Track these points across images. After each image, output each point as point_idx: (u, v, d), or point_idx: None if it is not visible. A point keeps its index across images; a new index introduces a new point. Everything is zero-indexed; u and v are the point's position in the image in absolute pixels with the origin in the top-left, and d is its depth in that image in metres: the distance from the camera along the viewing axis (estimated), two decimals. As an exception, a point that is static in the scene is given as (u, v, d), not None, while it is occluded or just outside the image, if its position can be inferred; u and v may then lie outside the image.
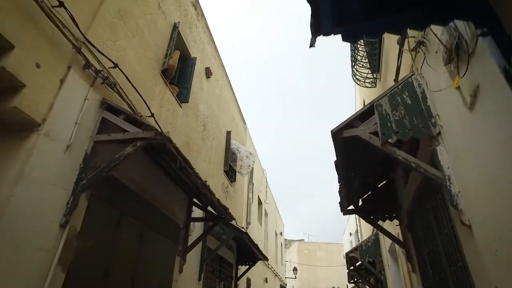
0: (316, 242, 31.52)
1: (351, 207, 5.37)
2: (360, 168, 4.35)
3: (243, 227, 10.08)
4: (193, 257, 6.58)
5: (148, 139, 3.63)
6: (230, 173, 10.07)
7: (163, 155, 4.17)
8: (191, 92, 7.20)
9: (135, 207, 4.65)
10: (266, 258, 9.92)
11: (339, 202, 5.08)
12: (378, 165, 4.78)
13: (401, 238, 5.03)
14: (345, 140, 3.38)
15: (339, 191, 4.61)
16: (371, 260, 8.43)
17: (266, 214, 16.47)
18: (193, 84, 7.34)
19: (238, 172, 9.96)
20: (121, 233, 4.27)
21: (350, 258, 8.93)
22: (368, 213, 5.30)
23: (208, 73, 8.32)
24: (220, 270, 8.32)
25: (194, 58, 7.29)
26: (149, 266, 4.87)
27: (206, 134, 7.96)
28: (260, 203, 15.19)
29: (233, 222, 7.73)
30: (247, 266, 9.82)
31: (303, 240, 33.77)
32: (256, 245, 9.25)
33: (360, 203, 5.38)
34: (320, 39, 1.87)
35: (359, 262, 10.43)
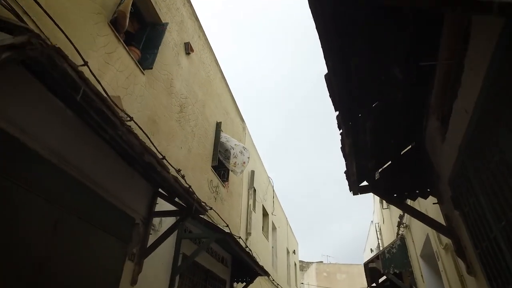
0: (335, 263, 28.88)
1: (365, 183, 3.78)
2: (372, 96, 2.81)
3: (240, 237, 8.44)
4: (159, 266, 5.01)
5: (19, 46, 2.25)
6: (222, 172, 8.59)
7: (59, 82, 2.72)
8: (163, 64, 5.94)
9: (50, 185, 3.22)
10: (266, 274, 8.16)
11: (345, 171, 3.52)
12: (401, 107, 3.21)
13: (443, 223, 3.34)
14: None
15: (341, 148, 3.05)
16: (397, 272, 6.58)
17: (274, 228, 14.66)
18: (165, 55, 6.08)
19: (232, 171, 8.46)
20: (21, 218, 2.84)
21: (370, 270, 7.09)
22: (388, 191, 3.67)
23: (188, 48, 7.08)
24: (206, 286, 6.65)
25: (165, 24, 6.07)
26: (69, 270, 3.35)
27: (184, 117, 6.59)
28: (266, 214, 13.47)
29: (234, 234, 6.14)
30: (244, 284, 8.06)
31: (321, 262, 31.16)
32: (252, 256, 7.58)
33: (377, 177, 3.77)
34: None
35: (383, 278, 8.50)
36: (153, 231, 4.91)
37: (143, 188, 4.87)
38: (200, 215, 5.66)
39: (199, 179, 6.95)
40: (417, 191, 3.56)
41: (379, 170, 3.78)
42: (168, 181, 3.95)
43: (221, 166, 8.54)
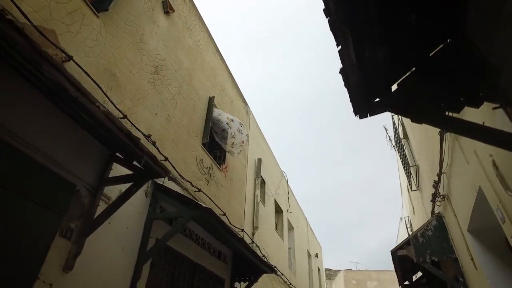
0: (365, 270, 26.62)
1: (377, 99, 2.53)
2: None
3: (242, 229, 7.22)
4: (116, 250, 3.89)
5: None
6: (219, 154, 7.45)
7: None
8: (131, 16, 5.01)
9: None
10: (272, 271, 6.83)
11: (343, 76, 2.31)
12: None
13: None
14: None
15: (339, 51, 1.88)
16: (435, 260, 5.10)
17: (291, 228, 13.26)
18: (134, 6, 5.15)
19: (228, 152, 7.33)
20: None
21: (400, 260, 5.62)
22: (413, 106, 2.38)
23: (166, 6, 6.11)
24: (194, 284, 5.44)
25: (131, -32, 5.12)
26: None
27: (161, 81, 5.56)
28: (279, 210, 12.13)
29: (227, 220, 4.93)
30: (247, 283, 6.77)
31: (350, 269, 28.98)
32: (252, 250, 6.35)
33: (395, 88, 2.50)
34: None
35: (418, 274, 6.97)
36: (106, 204, 3.81)
37: (94, 151, 3.82)
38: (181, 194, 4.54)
39: (183, 154, 5.85)
40: (462, 99, 2.25)
41: (398, 81, 2.50)
42: (94, 115, 2.84)
43: (217, 148, 7.43)
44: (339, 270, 29.11)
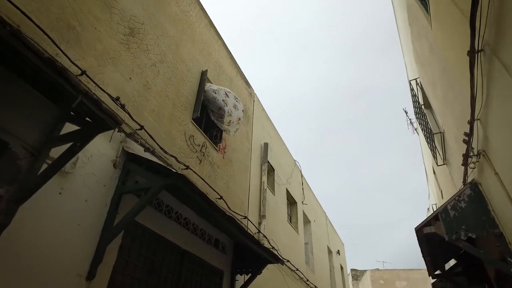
0: (393, 269, 24.99)
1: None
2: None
3: (245, 217, 6.46)
4: (70, 226, 3.21)
5: None
6: (215, 133, 6.73)
7: None
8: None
9: None
10: (278, 260, 5.96)
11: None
12: None
13: None
14: None
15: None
16: (473, 237, 4.11)
17: (307, 221, 12.31)
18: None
19: (224, 131, 6.59)
20: None
21: (428, 240, 4.63)
22: None
23: (145, -34, 5.48)
24: (182, 273, 4.70)
25: None
26: None
27: (136, 44, 4.91)
28: (293, 202, 11.24)
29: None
30: (249, 275, 5.95)
31: (377, 269, 27.40)
32: (248, 233, 5.58)
33: None
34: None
35: (452, 262, 5.96)
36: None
37: (38, 108, 3.18)
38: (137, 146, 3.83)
39: (167, 127, 5.16)
40: None
41: None
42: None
43: (214, 127, 6.71)
44: (365, 270, 27.65)
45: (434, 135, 5.89)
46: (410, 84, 6.79)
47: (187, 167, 5.15)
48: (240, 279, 6.05)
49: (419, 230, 4.43)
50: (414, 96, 6.70)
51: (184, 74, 6.05)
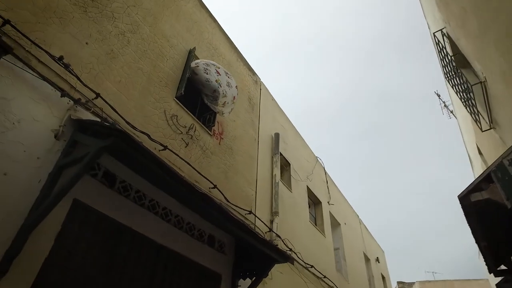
0: (446, 280, 22.24)
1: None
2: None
3: (250, 211, 5.51)
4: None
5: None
6: (208, 116, 5.91)
7: None
8: None
9: None
10: (285, 258, 4.85)
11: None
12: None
13: None
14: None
15: None
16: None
17: (336, 224, 10.97)
18: None
19: (218, 112, 5.77)
20: None
21: (479, 216, 3.36)
22: None
23: None
24: (157, 272, 3.78)
25: None
26: None
27: (97, 9, 4.27)
28: (317, 202, 10.02)
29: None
30: (254, 278, 4.88)
31: (427, 281, 24.64)
32: (245, 226, 4.63)
33: None
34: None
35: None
36: None
37: None
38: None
39: (139, 102, 4.41)
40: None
41: None
42: None
43: (206, 110, 5.91)
44: (413, 283, 25.02)
45: (473, 87, 4.63)
46: (434, 37, 5.59)
47: (165, 147, 4.32)
48: (244, 284, 4.99)
49: (464, 197, 3.20)
50: (441, 50, 5.50)
51: (165, 49, 5.34)
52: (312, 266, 7.43)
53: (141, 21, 5.03)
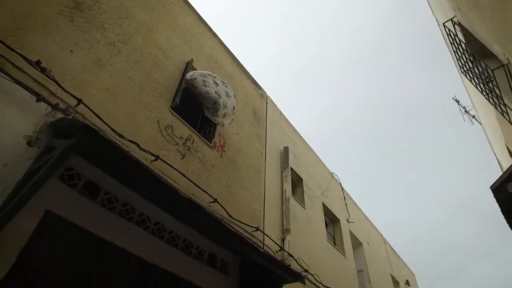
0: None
1: None
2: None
3: (257, 228, 5.08)
4: None
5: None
6: (209, 128, 5.62)
7: None
8: None
9: None
10: (295, 277, 4.28)
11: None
12: None
13: None
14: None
15: None
16: None
17: (358, 244, 10.16)
18: None
19: (219, 124, 5.50)
20: None
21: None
22: None
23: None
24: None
25: None
26: None
27: (85, 19, 4.18)
28: (334, 219, 9.34)
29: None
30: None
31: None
32: (248, 242, 4.19)
33: None
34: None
35: None
36: None
37: None
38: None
39: (129, 110, 4.17)
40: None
41: None
42: None
43: (207, 123, 5.63)
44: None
45: (495, 73, 4.14)
46: (445, 28, 5.18)
47: (157, 157, 4.00)
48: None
49: (498, 188, 2.65)
50: (453, 41, 5.07)
51: (160, 60, 5.18)
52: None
53: (134, 32, 4.92)
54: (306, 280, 6.01)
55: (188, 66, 5.69)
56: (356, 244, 10.08)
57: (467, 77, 5.57)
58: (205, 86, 5.51)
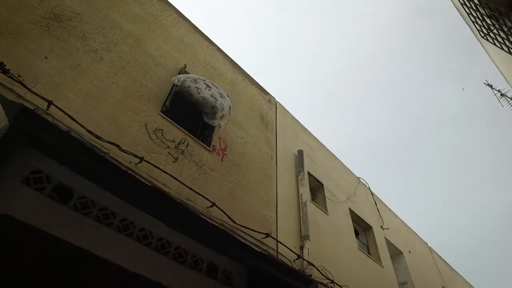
0: None
1: None
2: None
3: (267, 234, 4.61)
4: None
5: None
6: (207, 131, 5.32)
7: None
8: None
9: None
10: (301, 280, 3.65)
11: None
12: None
13: None
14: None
15: None
16: None
17: (397, 252, 9.11)
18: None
19: (215, 126, 5.21)
20: None
21: None
22: None
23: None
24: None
25: None
26: None
27: (64, 29, 4.16)
28: (365, 226, 8.48)
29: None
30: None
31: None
32: (246, 245, 3.70)
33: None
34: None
35: None
36: None
37: None
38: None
39: (112, 113, 3.97)
40: None
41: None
42: None
43: (206, 126, 5.34)
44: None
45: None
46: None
47: (141, 159, 3.71)
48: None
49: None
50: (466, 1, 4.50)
51: (149, 67, 5.04)
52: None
53: (119, 41, 4.85)
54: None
55: (181, 72, 5.52)
56: (395, 252, 9.04)
57: (489, 40, 4.90)
58: (199, 93, 5.27)
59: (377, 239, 8.34)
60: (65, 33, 4.13)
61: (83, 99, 3.79)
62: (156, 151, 4.20)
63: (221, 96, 5.35)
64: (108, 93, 4.14)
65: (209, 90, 5.30)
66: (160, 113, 4.65)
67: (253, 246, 4.14)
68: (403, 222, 10.88)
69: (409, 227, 11.09)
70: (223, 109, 5.39)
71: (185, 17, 6.86)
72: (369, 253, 7.83)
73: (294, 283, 3.55)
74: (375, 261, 7.54)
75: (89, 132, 3.46)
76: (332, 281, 5.41)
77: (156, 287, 3.24)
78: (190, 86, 5.19)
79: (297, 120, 8.70)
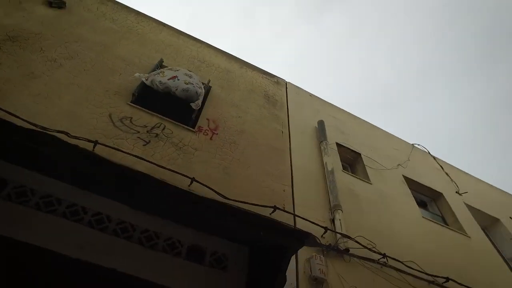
0: None
1: None
2: None
3: (274, 206, 3.88)
4: None
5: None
6: (192, 114, 4.86)
7: None
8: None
9: None
10: (301, 235, 2.68)
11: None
12: None
13: None
14: None
15: None
16: None
17: (491, 219, 7.15)
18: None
19: (195, 107, 4.76)
20: None
21: None
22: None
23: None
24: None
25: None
26: None
27: (18, 46, 4.22)
28: (433, 196, 6.88)
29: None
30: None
31: None
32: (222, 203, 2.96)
33: None
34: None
35: None
36: None
37: None
38: None
39: (70, 109, 3.75)
40: None
41: None
42: None
43: (188, 111, 4.90)
44: None
45: None
46: None
47: (95, 143, 3.33)
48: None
49: None
50: None
51: (119, 67, 4.88)
52: (447, 280, 4.43)
53: (84, 50, 4.81)
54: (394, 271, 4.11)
55: (157, 66, 5.27)
56: (486, 220, 7.10)
57: None
58: (177, 88, 4.86)
59: (453, 206, 6.65)
60: (19, 49, 4.17)
61: (34, 99, 3.64)
62: (122, 136, 3.82)
63: (191, 77, 4.94)
64: (65, 92, 3.97)
65: (177, 79, 4.85)
66: (130, 103, 4.34)
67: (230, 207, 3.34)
68: (490, 185, 8.73)
69: (502, 190, 8.84)
70: (202, 91, 4.95)
71: (166, 24, 6.81)
72: (446, 223, 6.22)
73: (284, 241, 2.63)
74: (456, 231, 5.91)
75: (33, 124, 3.21)
76: (384, 255, 4.21)
77: (113, 276, 2.65)
78: (166, 85, 4.81)
79: (317, 97, 7.82)
